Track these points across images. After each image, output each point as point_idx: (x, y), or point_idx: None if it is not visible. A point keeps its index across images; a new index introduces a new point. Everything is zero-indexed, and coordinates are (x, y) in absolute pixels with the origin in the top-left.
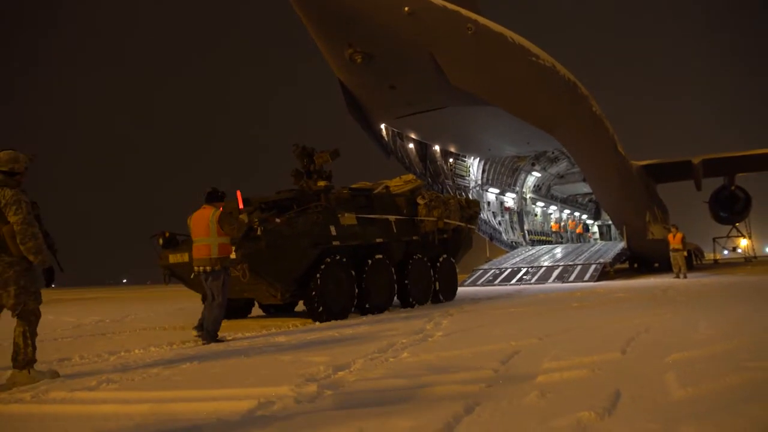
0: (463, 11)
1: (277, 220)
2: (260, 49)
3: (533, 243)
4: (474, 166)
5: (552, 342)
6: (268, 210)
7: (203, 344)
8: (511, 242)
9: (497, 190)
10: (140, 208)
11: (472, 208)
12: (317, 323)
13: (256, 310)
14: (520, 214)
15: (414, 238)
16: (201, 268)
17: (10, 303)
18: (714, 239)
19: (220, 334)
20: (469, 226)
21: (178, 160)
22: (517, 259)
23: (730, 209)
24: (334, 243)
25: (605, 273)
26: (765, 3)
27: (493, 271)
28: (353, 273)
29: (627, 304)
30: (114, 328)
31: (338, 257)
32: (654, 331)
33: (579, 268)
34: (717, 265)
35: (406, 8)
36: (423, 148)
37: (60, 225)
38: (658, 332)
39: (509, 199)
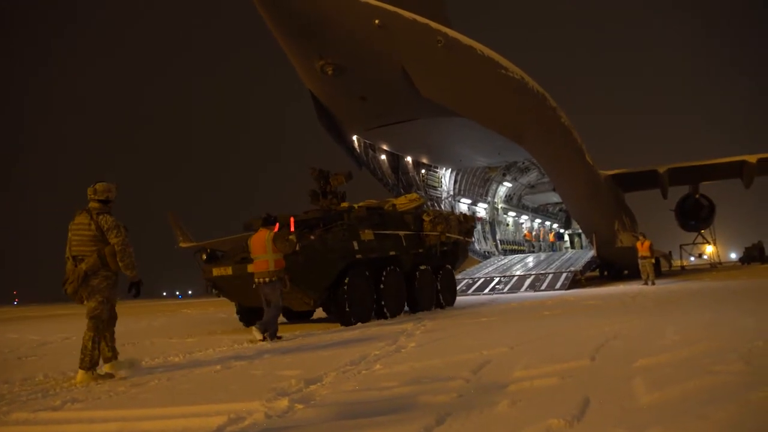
0: (433, 24)
1: (311, 237)
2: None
3: (505, 252)
4: (446, 177)
5: (523, 350)
6: (296, 228)
7: (268, 342)
8: (484, 252)
9: (469, 201)
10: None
11: (468, 223)
12: (287, 334)
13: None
14: (492, 224)
15: (420, 250)
16: (261, 279)
17: (91, 307)
18: (681, 246)
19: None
20: (466, 239)
21: (150, 171)
22: (490, 268)
23: (696, 217)
24: (357, 256)
25: (576, 281)
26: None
27: (466, 281)
28: (372, 282)
29: (597, 311)
30: (80, 346)
31: (360, 269)
32: (622, 338)
33: (550, 276)
34: (684, 272)
35: (377, 21)
36: (395, 159)
37: (25, 237)
38: (627, 338)
39: (481, 210)
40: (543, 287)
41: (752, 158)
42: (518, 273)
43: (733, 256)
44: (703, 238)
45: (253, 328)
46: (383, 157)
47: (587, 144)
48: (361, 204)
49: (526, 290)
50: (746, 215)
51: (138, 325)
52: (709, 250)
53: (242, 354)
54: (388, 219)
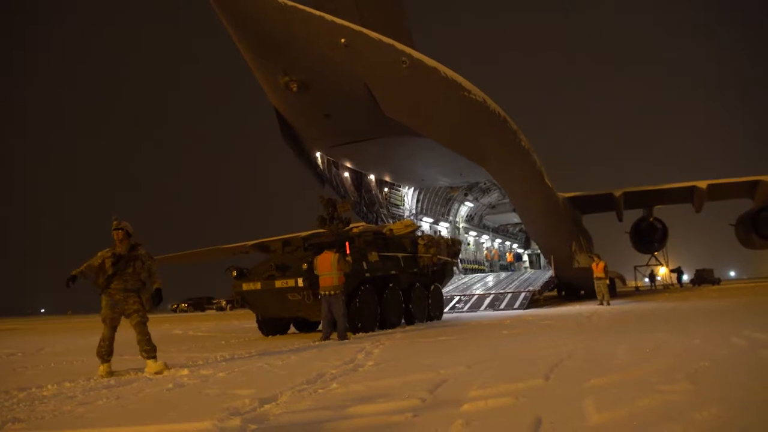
0: (398, 45)
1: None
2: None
3: (466, 272)
4: (408, 196)
5: (479, 370)
6: (311, 248)
7: (339, 341)
8: None
9: (431, 220)
10: (61, 233)
11: (455, 246)
12: (245, 353)
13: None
14: None
15: (415, 270)
16: (327, 292)
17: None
18: (635, 267)
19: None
20: (453, 260)
21: (101, 181)
22: (450, 287)
23: (650, 239)
24: (366, 275)
25: (535, 301)
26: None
27: None
28: (376, 298)
29: (553, 331)
30: (26, 362)
31: (368, 286)
32: (576, 357)
33: (509, 296)
34: (638, 292)
35: (342, 40)
36: (358, 177)
37: None
38: (581, 358)
39: (443, 229)
40: (502, 306)
41: (702, 184)
42: (478, 292)
43: (685, 278)
44: (657, 260)
45: (331, 338)
46: (346, 174)
47: (548, 167)
48: (357, 228)
49: (485, 309)
50: (698, 239)
51: (89, 341)
52: (662, 271)
53: (196, 372)
54: (390, 242)
